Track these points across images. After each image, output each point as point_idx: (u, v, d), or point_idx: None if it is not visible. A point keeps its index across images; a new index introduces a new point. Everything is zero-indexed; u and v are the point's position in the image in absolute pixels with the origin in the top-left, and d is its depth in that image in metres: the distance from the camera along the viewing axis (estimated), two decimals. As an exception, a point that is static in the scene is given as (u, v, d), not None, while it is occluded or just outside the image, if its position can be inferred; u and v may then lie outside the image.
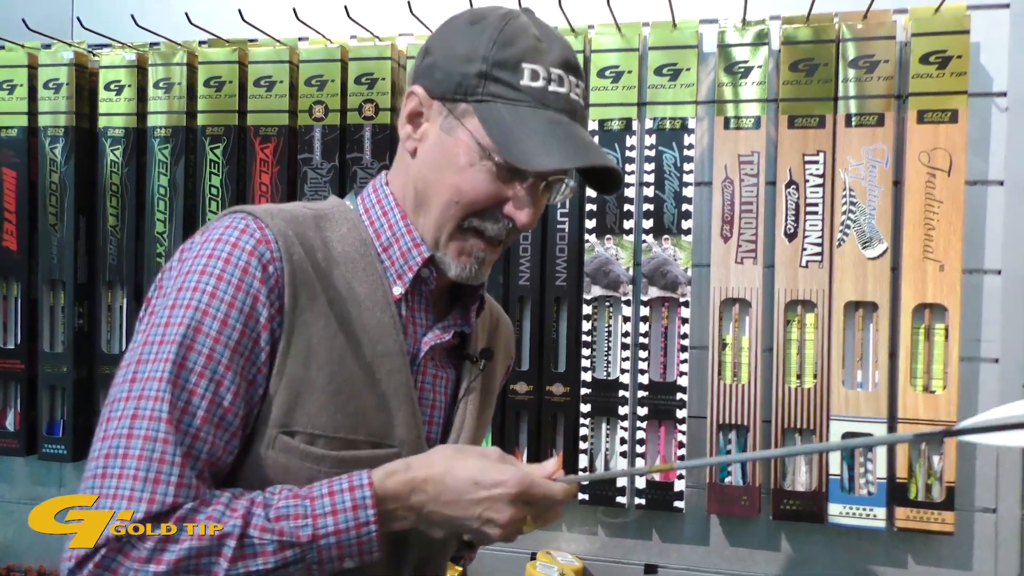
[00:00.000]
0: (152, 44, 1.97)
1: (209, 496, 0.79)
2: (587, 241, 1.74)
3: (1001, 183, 1.61)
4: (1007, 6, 1.59)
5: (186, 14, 1.82)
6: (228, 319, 0.82)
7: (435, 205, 0.91)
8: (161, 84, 1.92)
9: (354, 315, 0.89)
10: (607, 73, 1.73)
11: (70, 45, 1.99)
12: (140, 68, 1.95)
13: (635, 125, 1.72)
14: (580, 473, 1.70)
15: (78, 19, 1.99)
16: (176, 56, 1.92)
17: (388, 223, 0.95)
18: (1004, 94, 1.60)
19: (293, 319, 0.85)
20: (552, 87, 0.88)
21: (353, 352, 0.88)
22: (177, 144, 1.91)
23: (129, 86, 1.94)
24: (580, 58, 1.70)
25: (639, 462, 1.71)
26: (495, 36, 0.88)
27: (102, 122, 1.95)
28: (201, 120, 1.90)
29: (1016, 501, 1.59)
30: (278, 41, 1.88)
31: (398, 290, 0.94)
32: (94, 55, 1.99)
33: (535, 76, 0.87)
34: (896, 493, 1.59)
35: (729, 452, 1.67)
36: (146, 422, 0.77)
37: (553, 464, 0.88)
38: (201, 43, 1.95)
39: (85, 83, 1.98)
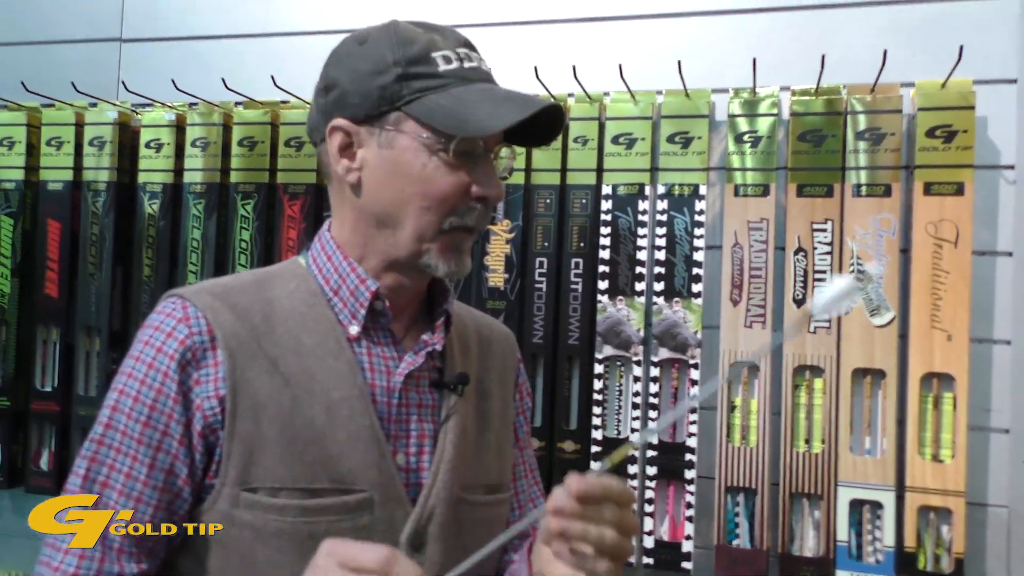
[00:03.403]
0: (191, 104, 2.08)
1: None
2: (599, 302, 1.78)
3: (1010, 254, 1.62)
4: (1014, 81, 1.62)
5: (223, 79, 1.93)
6: (139, 396, 0.90)
7: (407, 219, 0.92)
8: (198, 143, 2.02)
9: (302, 367, 0.92)
10: (621, 140, 1.79)
11: (115, 105, 2.11)
12: (179, 127, 2.05)
13: (648, 190, 1.77)
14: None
15: (123, 82, 2.11)
16: (213, 116, 2.02)
17: (333, 267, 0.97)
18: (1012, 167, 1.62)
19: (235, 380, 0.89)
20: (466, 64, 0.92)
21: (305, 403, 0.90)
22: (211, 200, 2.00)
23: (168, 144, 2.05)
24: (595, 124, 1.79)
25: (647, 521, 1.73)
26: (393, 41, 0.91)
27: (141, 177, 2.05)
28: (234, 177, 2.00)
29: (1028, 574, 1.58)
30: (308, 104, 1.97)
31: (354, 329, 0.95)
32: (136, 114, 2.11)
33: (448, 60, 0.91)
34: (904, 562, 1.58)
35: (738, 515, 1.68)
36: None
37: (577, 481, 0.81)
38: (237, 104, 2.06)
39: (127, 141, 2.09)
